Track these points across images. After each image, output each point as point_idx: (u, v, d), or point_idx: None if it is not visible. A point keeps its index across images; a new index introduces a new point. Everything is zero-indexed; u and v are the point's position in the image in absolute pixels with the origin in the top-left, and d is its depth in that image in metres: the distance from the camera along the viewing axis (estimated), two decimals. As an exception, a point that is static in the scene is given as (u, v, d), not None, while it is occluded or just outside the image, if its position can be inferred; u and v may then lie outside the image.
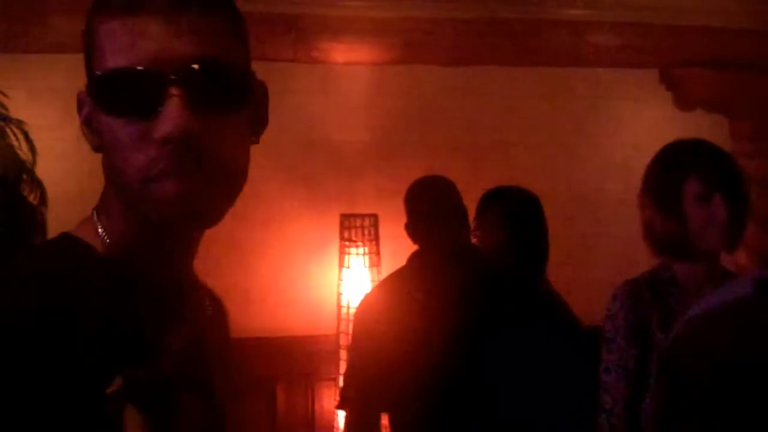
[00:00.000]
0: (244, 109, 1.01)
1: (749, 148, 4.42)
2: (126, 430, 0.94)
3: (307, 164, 4.52)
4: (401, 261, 2.86)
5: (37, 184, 3.57)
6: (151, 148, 0.93)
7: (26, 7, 3.83)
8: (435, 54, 4.50)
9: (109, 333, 0.96)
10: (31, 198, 3.51)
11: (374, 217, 4.14)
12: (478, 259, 2.88)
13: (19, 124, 3.57)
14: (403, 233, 2.87)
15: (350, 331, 3.04)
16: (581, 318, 2.78)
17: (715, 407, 1.24)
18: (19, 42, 3.90)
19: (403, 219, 2.88)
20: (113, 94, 0.95)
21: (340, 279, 4.16)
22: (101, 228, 1.05)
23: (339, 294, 4.14)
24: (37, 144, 3.56)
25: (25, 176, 3.53)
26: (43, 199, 3.56)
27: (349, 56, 4.45)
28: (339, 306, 4.13)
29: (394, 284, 2.83)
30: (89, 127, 1.02)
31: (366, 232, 4.12)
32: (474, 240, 2.95)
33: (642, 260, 2.47)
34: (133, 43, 0.93)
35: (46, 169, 3.60)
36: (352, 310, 3.13)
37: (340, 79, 4.56)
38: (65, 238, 1.05)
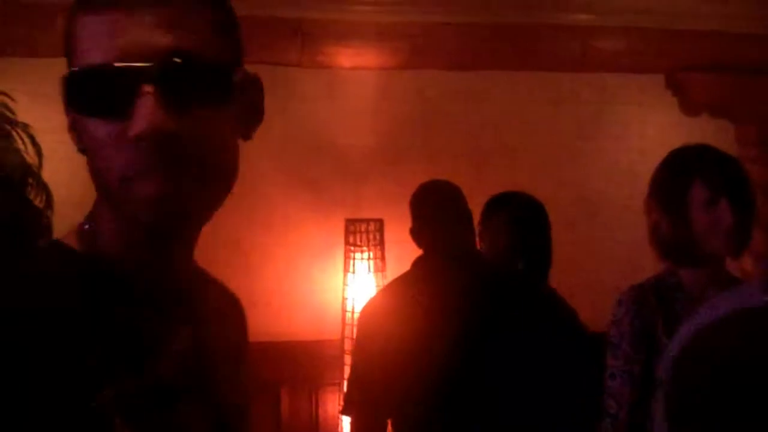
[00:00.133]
0: (226, 104, 0.97)
1: (755, 153, 4.41)
2: None
3: (312, 168, 4.52)
4: (406, 266, 2.86)
5: (43, 188, 3.57)
6: (128, 148, 0.90)
7: (31, 10, 3.84)
8: (440, 59, 4.50)
9: (93, 339, 0.92)
10: (36, 201, 3.51)
11: (379, 222, 4.14)
12: (483, 263, 2.88)
13: (25, 127, 3.58)
14: (408, 238, 2.87)
15: (354, 336, 3.03)
16: (586, 323, 2.78)
17: (721, 416, 1.24)
18: (24, 45, 3.92)
19: (408, 224, 2.88)
20: (84, 94, 0.92)
21: (344, 284, 4.15)
22: (89, 230, 1.02)
23: (344, 299, 4.14)
24: (43, 147, 3.57)
25: (30, 179, 3.54)
26: (48, 202, 3.56)
27: (354, 61, 4.45)
28: (344, 311, 4.12)
29: (398, 289, 2.82)
30: (74, 128, 0.99)
31: (371, 236, 4.12)
32: (479, 245, 2.95)
33: (647, 265, 2.47)
34: (106, 39, 0.90)
35: (52, 173, 3.61)
36: (357, 315, 3.13)
37: (346, 84, 4.56)
38: (50, 243, 1.03)
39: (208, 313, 1.13)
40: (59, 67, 0.99)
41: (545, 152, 4.66)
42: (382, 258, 4.12)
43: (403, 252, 3.06)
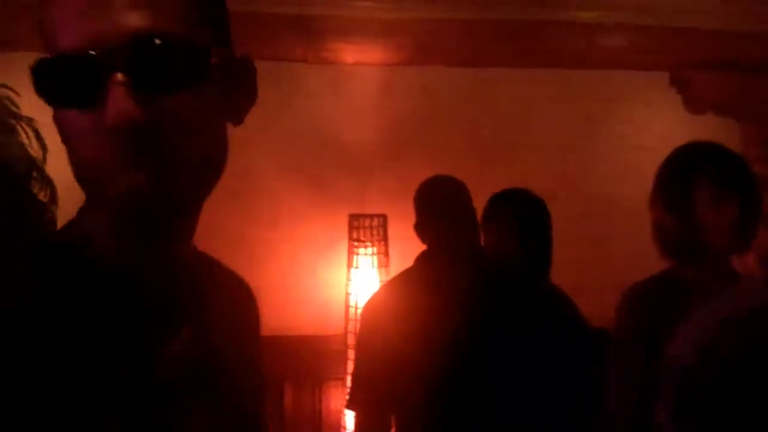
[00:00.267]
0: (204, 86, 0.89)
1: (759, 152, 4.40)
2: None
3: (316, 164, 4.52)
4: (410, 261, 2.86)
5: (47, 182, 3.58)
6: (102, 140, 0.84)
7: (36, 5, 3.84)
8: (444, 55, 4.51)
9: (82, 338, 0.87)
10: (41, 195, 3.52)
11: (383, 218, 4.14)
12: (485, 260, 2.88)
13: (30, 121, 3.58)
14: (412, 233, 2.87)
15: (357, 331, 3.04)
16: (591, 320, 2.78)
17: (725, 413, 1.24)
18: (28, 39, 3.92)
19: (412, 219, 2.88)
20: (52, 85, 0.87)
21: (348, 279, 4.16)
22: (78, 225, 0.98)
23: (347, 294, 4.14)
24: (48, 141, 3.57)
25: (35, 173, 3.54)
26: (53, 196, 3.57)
27: (358, 57, 4.46)
28: (347, 306, 4.13)
29: (401, 285, 2.82)
30: (55, 119, 0.93)
31: (375, 232, 4.12)
32: (482, 241, 2.95)
33: (652, 262, 2.46)
34: (75, 22, 0.85)
35: (56, 167, 3.61)
36: (360, 311, 3.13)
37: (350, 80, 4.56)
38: (39, 240, 0.99)
39: (213, 308, 1.07)
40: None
41: (549, 149, 4.66)
42: (386, 253, 4.12)
43: (407, 247, 3.06)
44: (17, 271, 0.91)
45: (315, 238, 4.48)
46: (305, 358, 4.34)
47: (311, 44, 4.32)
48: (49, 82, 0.87)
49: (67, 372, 0.84)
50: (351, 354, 3.89)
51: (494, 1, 4.29)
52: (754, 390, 1.20)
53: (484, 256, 2.90)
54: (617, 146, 4.75)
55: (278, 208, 4.45)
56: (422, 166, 3.36)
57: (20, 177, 3.44)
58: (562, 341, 2.65)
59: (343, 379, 4.05)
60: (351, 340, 3.98)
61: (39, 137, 3.57)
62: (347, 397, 2.95)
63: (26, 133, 3.57)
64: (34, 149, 3.57)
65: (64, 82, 0.85)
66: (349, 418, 3.75)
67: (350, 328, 4.05)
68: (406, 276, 2.83)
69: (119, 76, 0.83)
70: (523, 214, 2.93)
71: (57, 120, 0.91)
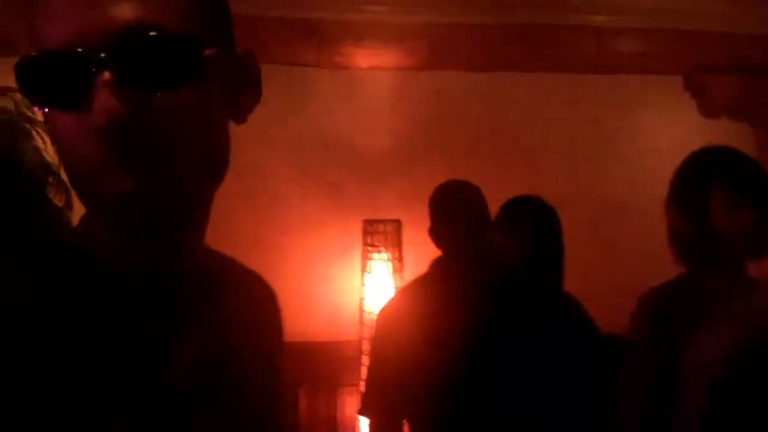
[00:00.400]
0: (198, 83, 0.84)
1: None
2: None
3: (329, 169, 4.53)
4: (424, 266, 2.86)
5: (63, 187, 3.58)
6: (91, 142, 0.80)
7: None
8: (458, 59, 4.50)
9: (88, 342, 0.84)
10: (56, 200, 3.52)
11: (397, 223, 4.14)
12: (499, 266, 2.88)
13: (45, 126, 3.59)
14: (426, 238, 2.87)
15: (372, 337, 3.04)
16: (603, 324, 2.77)
17: (757, 419, 1.23)
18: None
19: (426, 224, 2.88)
20: (37, 85, 0.82)
21: (362, 284, 4.16)
22: (84, 227, 0.94)
23: (361, 299, 4.14)
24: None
25: (50, 178, 3.55)
26: (68, 201, 3.57)
27: (371, 61, 4.46)
28: (361, 311, 4.13)
29: (415, 291, 2.83)
30: (46, 120, 0.89)
31: (389, 237, 4.12)
32: (495, 247, 2.95)
33: (667, 268, 2.45)
34: (61, 16, 0.80)
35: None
36: (375, 316, 3.13)
37: (363, 84, 4.56)
38: (47, 243, 0.96)
39: (227, 306, 1.02)
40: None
41: (563, 154, 4.65)
42: (400, 259, 4.12)
43: (421, 253, 3.06)
44: (20, 272, 0.88)
45: (329, 244, 4.48)
46: (319, 364, 4.33)
47: (324, 48, 4.33)
48: (34, 81, 0.82)
49: (67, 372, 0.82)
50: (365, 360, 3.89)
51: (507, 6, 4.29)
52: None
53: (497, 262, 2.90)
54: (631, 150, 4.73)
55: (291, 214, 4.45)
56: (435, 170, 3.36)
57: (36, 182, 3.45)
58: (573, 348, 2.66)
59: (358, 385, 4.05)
60: (365, 346, 3.98)
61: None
62: (360, 404, 2.95)
63: (42, 137, 3.58)
64: (50, 154, 3.57)
65: (49, 81, 0.81)
66: (364, 424, 3.74)
67: (364, 333, 4.05)
68: (420, 283, 2.84)
69: (106, 74, 0.78)
70: (535, 221, 2.93)
71: (46, 119, 0.88)
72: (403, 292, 2.92)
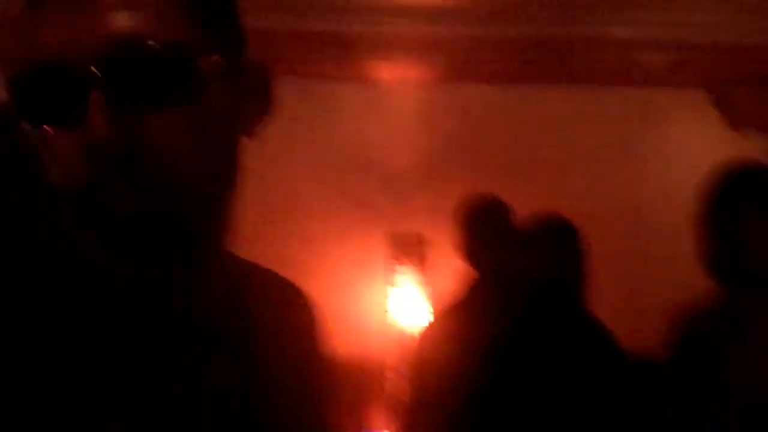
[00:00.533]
0: (198, 97, 0.79)
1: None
2: None
3: (353, 183, 4.53)
4: (448, 281, 2.86)
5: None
6: (83, 161, 0.75)
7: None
8: (480, 72, 4.51)
9: (81, 337, 0.81)
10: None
11: (421, 237, 4.14)
12: (525, 281, 2.89)
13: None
14: (450, 252, 2.88)
15: (398, 352, 3.09)
16: (629, 343, 2.76)
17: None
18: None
19: (450, 238, 2.89)
20: (28, 101, 0.78)
21: (386, 298, 4.16)
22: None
23: (386, 314, 4.14)
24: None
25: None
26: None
27: (394, 74, 4.47)
28: (386, 326, 4.13)
29: (451, 314, 2.88)
30: None
31: (413, 251, 4.12)
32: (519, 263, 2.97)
33: (693, 285, 2.43)
34: (53, 33, 0.76)
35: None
36: (399, 330, 3.16)
37: (387, 97, 4.57)
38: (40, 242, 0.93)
39: (258, 332, 0.96)
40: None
41: (588, 168, 4.63)
42: (424, 273, 4.12)
43: (445, 267, 3.06)
44: (20, 272, 0.85)
45: (353, 258, 4.48)
46: (344, 378, 4.33)
47: (348, 61, 4.34)
48: (23, 99, 0.78)
49: (68, 372, 0.79)
50: (390, 374, 3.89)
51: (532, 19, 4.29)
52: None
53: (523, 277, 2.91)
54: (656, 165, 4.71)
55: (315, 228, 4.46)
56: (460, 184, 3.37)
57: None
58: (594, 367, 2.68)
59: (382, 399, 4.04)
60: (390, 360, 3.98)
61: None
62: (405, 423, 3.02)
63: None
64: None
65: (37, 99, 0.77)
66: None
67: (389, 348, 4.05)
68: (456, 306, 2.88)
69: (96, 89, 0.74)
70: (559, 240, 2.94)
71: (40, 137, 0.81)
72: (440, 318, 2.98)
